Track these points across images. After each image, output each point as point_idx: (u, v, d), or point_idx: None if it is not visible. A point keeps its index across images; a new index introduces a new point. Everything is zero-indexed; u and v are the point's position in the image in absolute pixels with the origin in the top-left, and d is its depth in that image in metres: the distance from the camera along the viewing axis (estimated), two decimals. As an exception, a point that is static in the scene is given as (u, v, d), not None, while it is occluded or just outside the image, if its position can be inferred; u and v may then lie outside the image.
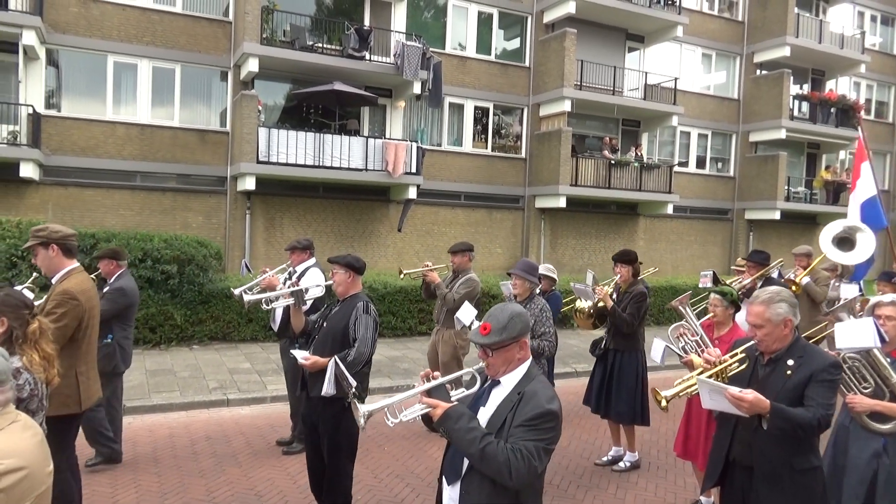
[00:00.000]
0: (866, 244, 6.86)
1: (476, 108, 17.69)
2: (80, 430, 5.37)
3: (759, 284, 6.62)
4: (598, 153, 18.25)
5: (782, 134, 20.45)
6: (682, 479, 5.78)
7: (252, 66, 13.85)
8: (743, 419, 2.98)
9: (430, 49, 15.72)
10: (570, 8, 17.22)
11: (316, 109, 15.74)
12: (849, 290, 7.65)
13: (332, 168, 14.38)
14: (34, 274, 5.84)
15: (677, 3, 18.93)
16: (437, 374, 2.60)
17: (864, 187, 7.71)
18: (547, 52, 17.83)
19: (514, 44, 18.54)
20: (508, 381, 2.55)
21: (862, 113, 22.30)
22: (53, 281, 3.95)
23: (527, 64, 18.31)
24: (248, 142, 13.61)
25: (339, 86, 14.12)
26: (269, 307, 4.95)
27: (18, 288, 3.74)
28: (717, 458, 3.28)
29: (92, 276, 4.63)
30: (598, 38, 18.64)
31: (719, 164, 21.93)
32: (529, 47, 18.33)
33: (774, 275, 7.53)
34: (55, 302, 3.76)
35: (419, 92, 15.45)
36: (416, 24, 16.67)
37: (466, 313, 5.91)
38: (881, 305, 3.83)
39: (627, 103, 18.31)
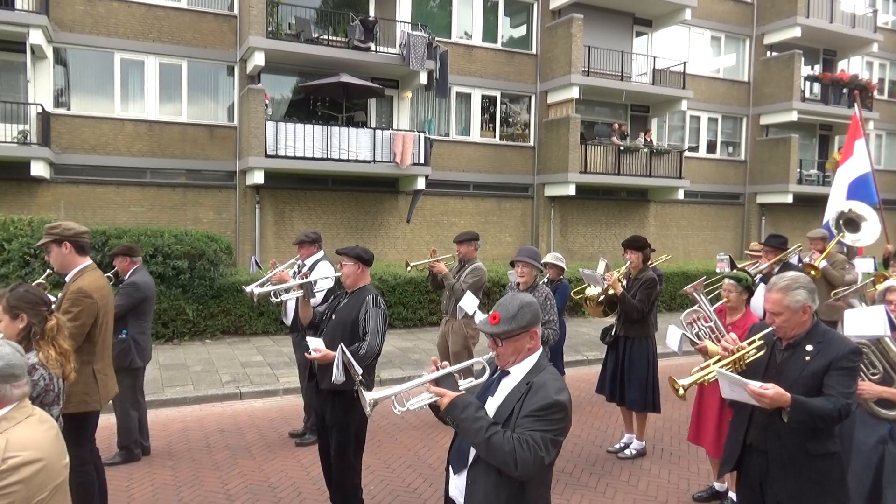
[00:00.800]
0: (871, 222, 6.83)
1: (483, 96, 17.60)
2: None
3: (776, 269, 6.37)
4: (607, 139, 18.11)
5: (794, 116, 20.16)
6: (695, 466, 5.76)
7: (258, 59, 13.86)
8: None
9: (436, 38, 15.66)
10: (576, -7, 17.07)
11: (323, 102, 15.73)
12: (865, 265, 7.59)
13: (340, 160, 14.38)
14: (47, 271, 5.90)
15: (685, -14, 18.69)
16: (445, 363, 2.59)
17: (856, 165, 7.64)
18: (554, 39, 17.68)
19: (521, 31, 18.40)
20: (518, 371, 2.54)
21: (875, 92, 21.97)
22: (67, 278, 3.98)
23: (533, 51, 18.17)
24: (255, 136, 13.63)
25: (345, 78, 14.09)
26: (278, 300, 4.98)
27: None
28: (733, 443, 3.25)
29: (107, 274, 4.67)
30: (605, 23, 18.45)
31: (730, 148, 21.68)
32: (536, 34, 18.18)
33: (794, 260, 7.35)
34: (70, 301, 3.79)
35: (426, 82, 15.38)
36: (421, 13, 16.57)
37: (469, 302, 5.89)
38: (892, 291, 3.78)
39: (636, 89, 18.13)
